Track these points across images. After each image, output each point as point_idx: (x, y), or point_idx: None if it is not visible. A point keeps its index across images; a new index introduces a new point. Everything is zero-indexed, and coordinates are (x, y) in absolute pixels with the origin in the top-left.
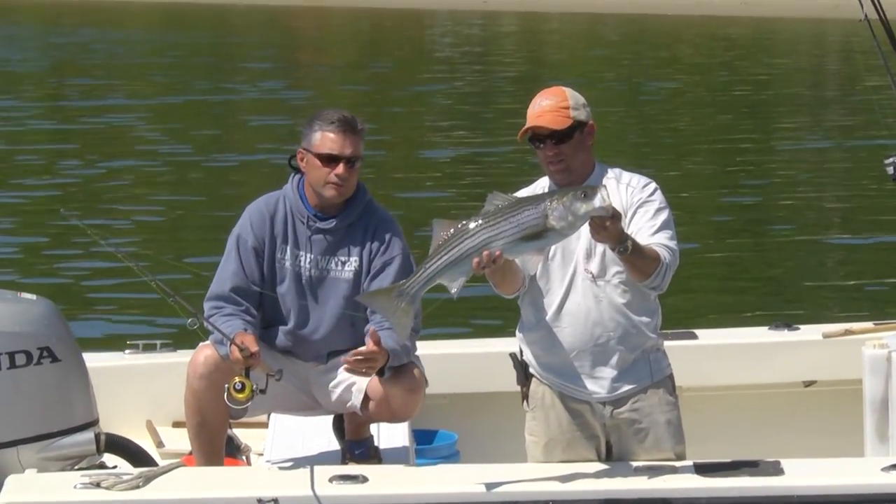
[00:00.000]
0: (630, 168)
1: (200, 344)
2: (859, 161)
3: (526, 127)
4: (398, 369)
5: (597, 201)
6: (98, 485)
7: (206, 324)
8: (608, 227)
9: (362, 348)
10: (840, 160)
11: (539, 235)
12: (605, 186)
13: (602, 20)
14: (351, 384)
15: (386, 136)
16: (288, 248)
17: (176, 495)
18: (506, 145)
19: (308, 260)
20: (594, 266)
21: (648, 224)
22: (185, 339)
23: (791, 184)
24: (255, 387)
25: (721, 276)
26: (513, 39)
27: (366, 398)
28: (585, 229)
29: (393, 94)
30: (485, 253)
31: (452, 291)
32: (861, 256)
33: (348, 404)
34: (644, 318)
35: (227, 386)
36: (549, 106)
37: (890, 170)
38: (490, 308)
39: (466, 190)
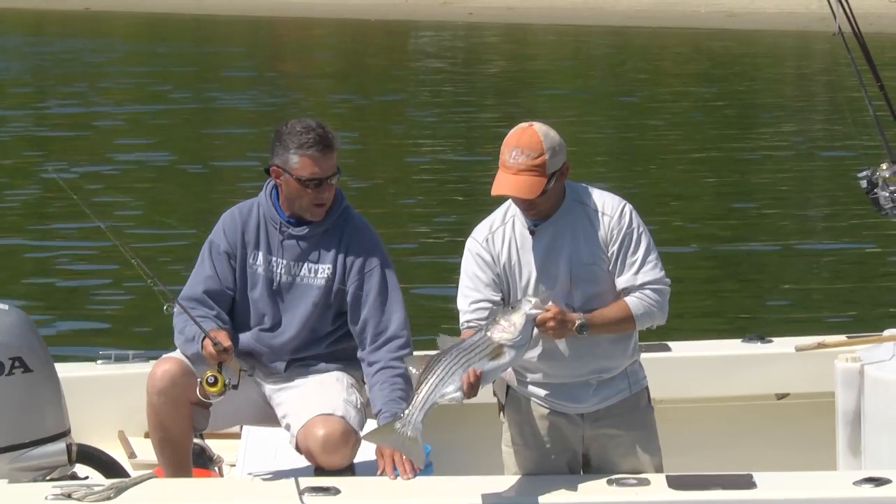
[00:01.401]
0: (598, 185)
1: (161, 357)
2: (835, 172)
3: (498, 190)
4: (323, 423)
5: (525, 306)
6: (69, 496)
7: (175, 312)
8: (551, 325)
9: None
10: (816, 171)
11: (498, 356)
12: (527, 300)
13: (587, 31)
14: (287, 424)
15: (369, 143)
16: (260, 254)
17: None
18: (487, 155)
19: (281, 265)
20: (576, 301)
21: (631, 261)
22: (157, 344)
23: (767, 195)
24: (227, 381)
25: (694, 288)
26: (497, 50)
27: (297, 445)
28: (571, 250)
29: (376, 101)
30: (470, 369)
31: (454, 399)
32: (835, 269)
33: (289, 441)
34: (623, 345)
35: (199, 380)
36: (525, 164)
37: (863, 183)
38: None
39: (449, 196)
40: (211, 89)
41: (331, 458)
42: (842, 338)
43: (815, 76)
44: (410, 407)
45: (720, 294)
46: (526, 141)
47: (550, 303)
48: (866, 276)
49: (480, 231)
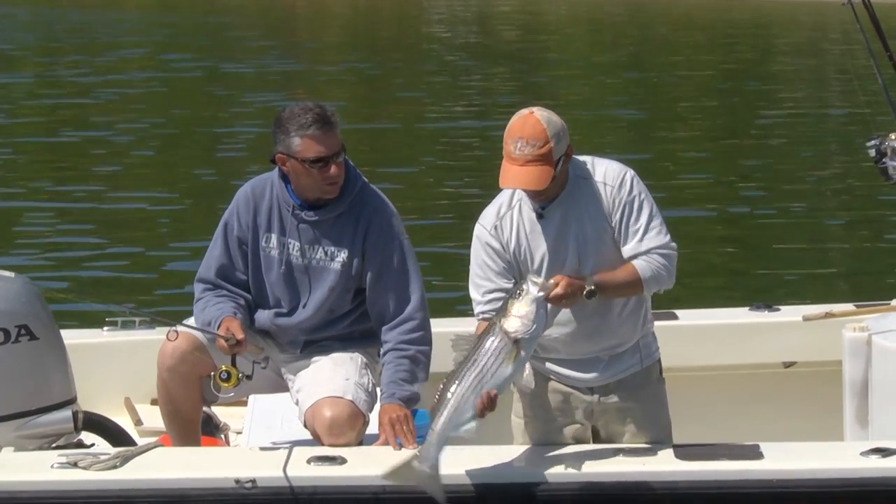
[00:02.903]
0: (601, 153)
1: (172, 330)
2: (844, 141)
3: (507, 183)
4: (331, 405)
5: (532, 290)
6: (75, 465)
7: (196, 296)
8: (563, 294)
9: (386, 429)
10: (826, 139)
11: (517, 353)
12: (532, 281)
13: (601, 1)
14: (298, 401)
15: (385, 112)
16: (274, 237)
17: (153, 475)
18: (501, 118)
19: (295, 248)
20: (585, 272)
21: (634, 229)
22: (164, 315)
23: (777, 163)
24: (240, 374)
25: (702, 256)
26: (510, 20)
27: (305, 424)
28: (577, 229)
29: (390, 68)
30: (483, 393)
31: (468, 431)
32: (844, 237)
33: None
34: (633, 320)
35: (212, 374)
36: (531, 154)
37: (872, 152)
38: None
39: (464, 162)
40: (223, 58)
41: (336, 441)
42: (850, 307)
43: (829, 46)
44: (425, 444)
45: (729, 263)
46: (529, 131)
47: (556, 277)
48: (876, 245)
49: (488, 218)
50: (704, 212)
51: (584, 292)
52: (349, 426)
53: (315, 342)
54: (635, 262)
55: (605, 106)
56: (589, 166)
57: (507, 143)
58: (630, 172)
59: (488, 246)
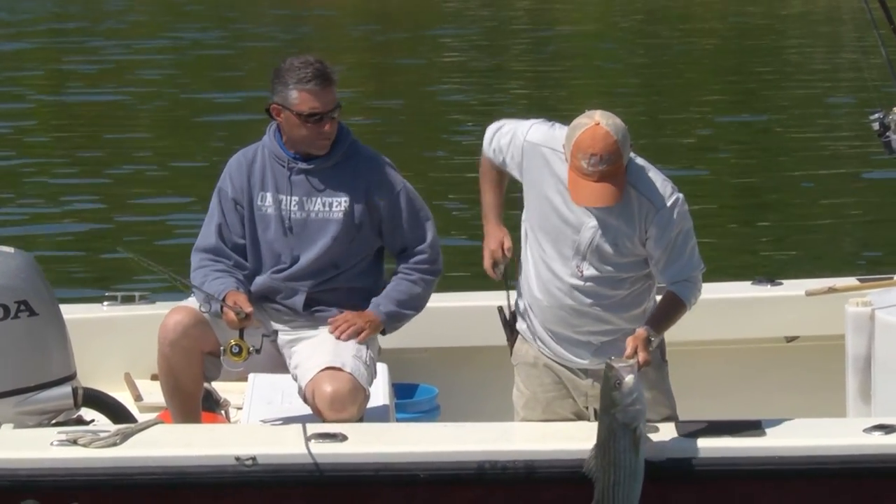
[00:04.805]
0: (652, 161)
1: (174, 307)
2: (848, 114)
3: (584, 202)
4: (331, 378)
5: (625, 374)
6: (75, 442)
7: (192, 268)
8: (649, 359)
9: (343, 315)
10: (830, 113)
11: (637, 436)
12: (621, 366)
13: None
14: (296, 375)
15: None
16: (269, 195)
17: (153, 453)
18: (518, 88)
19: (292, 202)
20: (583, 269)
21: (679, 258)
22: (164, 290)
23: (779, 139)
24: (251, 348)
25: (704, 230)
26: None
27: (304, 399)
28: (603, 219)
29: (402, 37)
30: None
31: None
32: (848, 212)
33: (299, 392)
34: (622, 313)
35: (222, 348)
36: (606, 170)
37: (875, 125)
38: (473, 263)
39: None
40: (236, 23)
41: (338, 416)
42: (853, 281)
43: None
44: None
45: (731, 237)
46: (602, 145)
47: (628, 342)
48: (879, 220)
49: (550, 137)
50: (708, 185)
51: (652, 346)
52: (350, 401)
53: (318, 294)
54: (678, 290)
55: (617, 81)
56: (641, 173)
57: (576, 157)
58: (679, 197)
59: (532, 149)
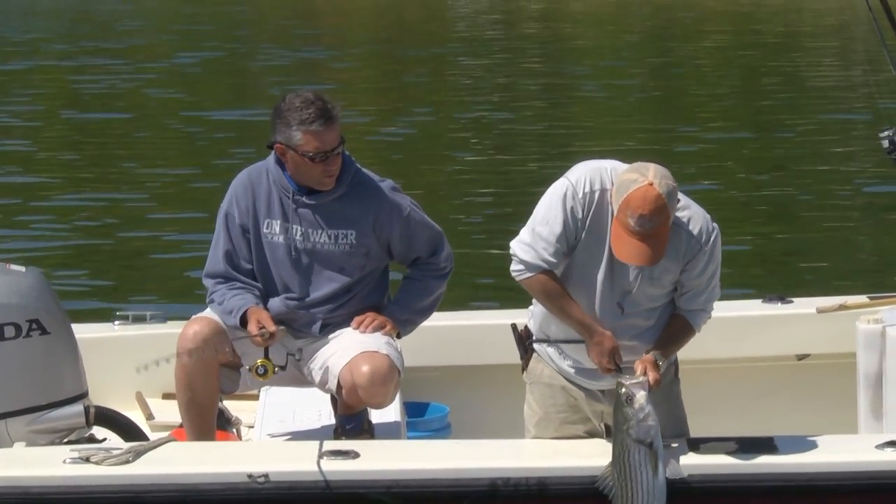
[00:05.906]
0: (689, 193)
1: (193, 317)
2: (858, 131)
3: (628, 259)
4: (369, 358)
5: (636, 390)
6: (87, 459)
7: (210, 289)
8: (659, 379)
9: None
10: (841, 129)
11: (653, 452)
12: (632, 383)
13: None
14: (328, 368)
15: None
16: (276, 223)
17: (166, 470)
18: (530, 110)
19: (298, 233)
20: (626, 304)
21: (703, 291)
22: (175, 311)
23: (791, 157)
24: (276, 368)
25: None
26: (536, 9)
27: (339, 384)
28: (634, 272)
29: (413, 55)
30: None
31: None
32: (859, 228)
33: (326, 387)
34: (648, 343)
35: (248, 368)
36: (654, 230)
37: (885, 143)
38: (489, 283)
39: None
40: (245, 41)
41: (376, 392)
42: (864, 298)
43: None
44: None
45: (742, 255)
46: (651, 208)
47: (637, 365)
48: (890, 237)
49: (587, 181)
50: (718, 200)
51: (661, 369)
52: (389, 378)
53: (332, 323)
54: (691, 318)
55: (628, 87)
56: (686, 211)
57: (625, 213)
58: (717, 231)
59: (570, 208)
